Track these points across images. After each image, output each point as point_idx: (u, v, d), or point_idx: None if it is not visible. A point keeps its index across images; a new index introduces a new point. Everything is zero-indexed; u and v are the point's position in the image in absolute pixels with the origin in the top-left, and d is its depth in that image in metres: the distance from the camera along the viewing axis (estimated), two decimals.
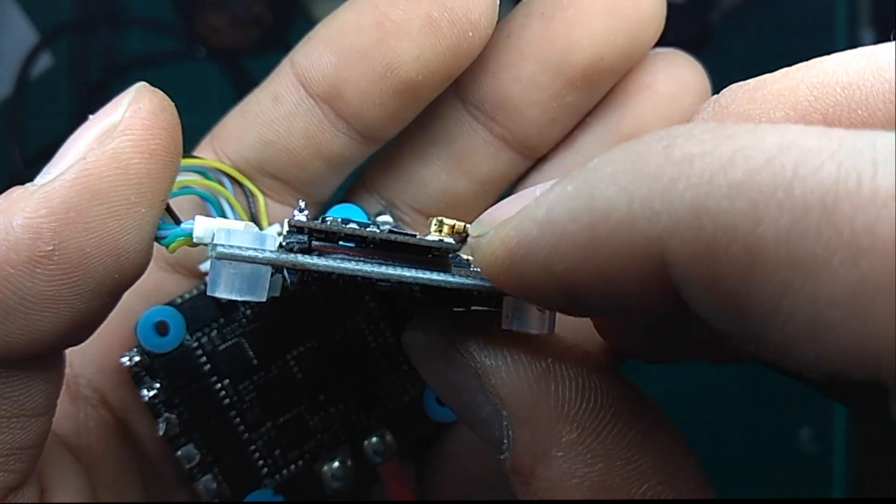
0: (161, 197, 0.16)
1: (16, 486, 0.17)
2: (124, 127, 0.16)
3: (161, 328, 0.20)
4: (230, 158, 0.21)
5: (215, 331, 0.21)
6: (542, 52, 0.19)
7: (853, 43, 0.44)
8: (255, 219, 0.21)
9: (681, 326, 0.18)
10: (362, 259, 0.15)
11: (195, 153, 0.21)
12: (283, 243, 0.15)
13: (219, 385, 0.21)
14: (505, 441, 0.15)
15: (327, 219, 0.16)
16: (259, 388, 0.21)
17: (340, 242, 0.16)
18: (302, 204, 0.17)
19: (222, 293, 0.15)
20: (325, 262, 0.15)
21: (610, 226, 0.12)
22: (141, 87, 0.16)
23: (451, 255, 0.16)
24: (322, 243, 0.15)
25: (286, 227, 0.15)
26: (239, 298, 0.15)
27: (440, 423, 0.22)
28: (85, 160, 0.15)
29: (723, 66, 0.44)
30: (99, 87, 0.44)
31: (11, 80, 0.43)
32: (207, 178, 0.20)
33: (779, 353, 0.11)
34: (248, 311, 0.20)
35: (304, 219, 0.16)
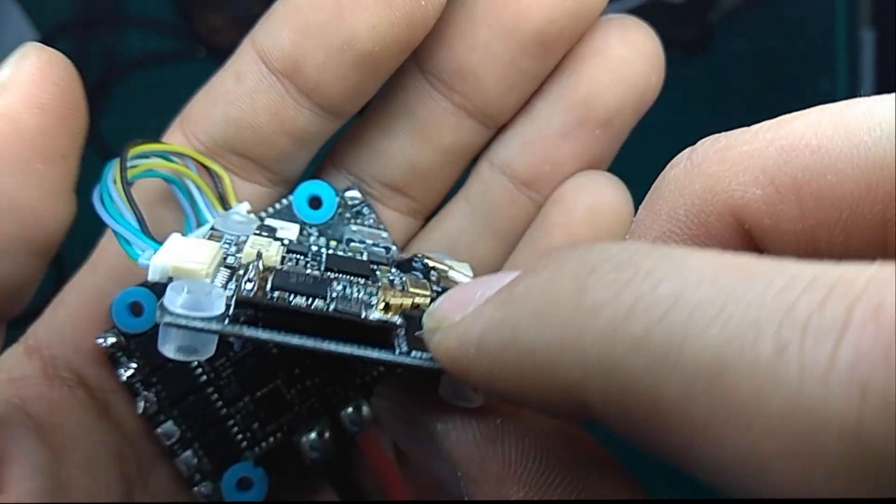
0: (61, 152, 0.16)
1: None
2: (10, 84, 0.16)
3: (135, 308, 0.20)
4: (199, 139, 0.21)
5: None
6: (493, 18, 0.19)
7: (853, 43, 0.44)
8: (222, 198, 0.21)
9: None
10: (305, 333, 0.16)
11: (164, 138, 0.22)
12: (230, 314, 0.15)
13: (195, 362, 0.21)
14: (466, 497, 0.15)
15: (274, 294, 0.16)
16: (235, 364, 0.21)
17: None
18: (263, 214, 0.17)
19: (170, 354, 0.15)
20: (266, 335, 0.15)
21: (534, 364, 0.12)
22: (28, 45, 0.17)
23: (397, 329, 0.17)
24: (268, 315, 0.16)
25: (233, 302, 0.16)
26: (186, 359, 0.16)
27: None
28: None
29: (723, 66, 0.44)
30: (99, 87, 0.44)
31: None
32: (170, 160, 0.20)
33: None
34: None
35: (251, 293, 0.16)
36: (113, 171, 0.19)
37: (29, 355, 0.21)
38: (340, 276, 0.18)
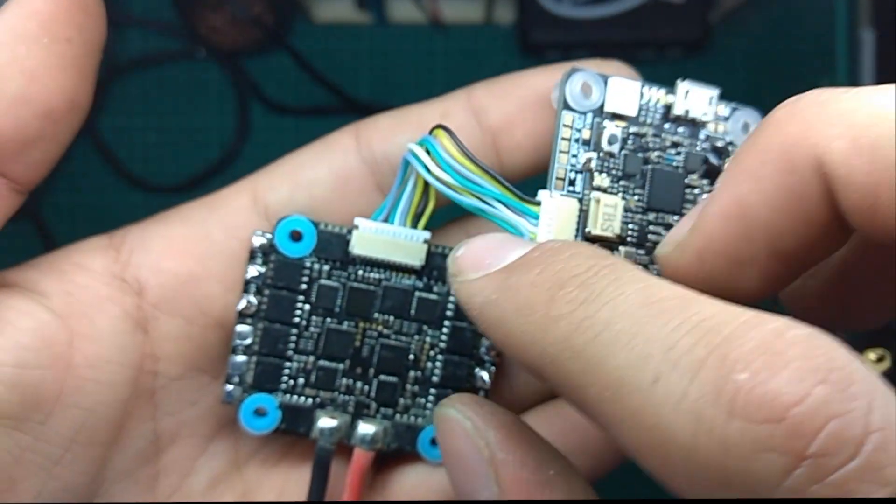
0: (66, 35, 0.20)
1: None
2: None
3: (295, 235, 0.23)
4: (372, 152, 0.24)
5: (328, 266, 0.24)
6: None
7: (853, 43, 0.44)
8: (418, 218, 0.23)
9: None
10: None
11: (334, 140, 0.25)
12: None
13: (301, 305, 0.24)
14: None
15: None
16: (325, 330, 0.24)
17: None
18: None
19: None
20: None
21: (513, 342, 0.16)
22: None
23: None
24: None
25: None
26: None
27: (422, 459, 0.25)
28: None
29: (723, 66, 0.44)
30: (99, 87, 0.44)
31: None
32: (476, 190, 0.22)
33: None
34: (361, 272, 0.24)
35: None
36: (442, 146, 0.21)
37: (107, 249, 0.23)
38: None
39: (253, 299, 0.23)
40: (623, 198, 0.22)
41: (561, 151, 0.22)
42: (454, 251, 0.19)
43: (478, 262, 0.18)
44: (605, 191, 0.22)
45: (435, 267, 0.24)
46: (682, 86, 0.23)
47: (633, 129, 0.22)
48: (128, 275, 0.23)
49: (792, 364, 0.12)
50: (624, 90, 0.22)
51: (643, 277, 0.15)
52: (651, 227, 0.23)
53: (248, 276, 0.23)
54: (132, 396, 0.23)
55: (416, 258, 0.23)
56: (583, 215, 0.22)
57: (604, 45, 0.42)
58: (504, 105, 0.24)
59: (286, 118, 0.43)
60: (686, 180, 0.23)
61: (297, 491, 0.25)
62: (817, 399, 0.11)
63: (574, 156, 0.22)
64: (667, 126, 0.23)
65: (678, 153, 0.23)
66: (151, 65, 0.44)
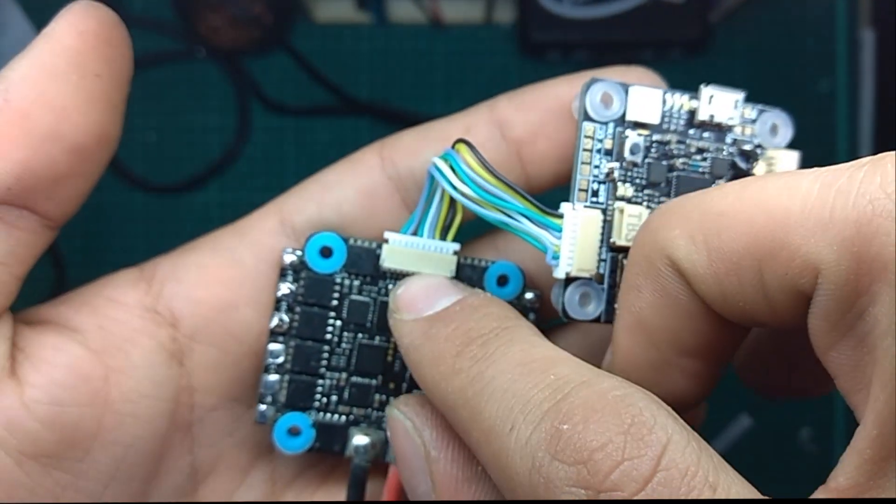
0: (95, 70, 0.20)
1: None
2: (59, 17, 0.20)
3: (325, 252, 0.23)
4: (397, 169, 0.24)
5: (358, 282, 0.24)
6: None
7: (853, 43, 0.44)
8: (446, 230, 0.24)
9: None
10: None
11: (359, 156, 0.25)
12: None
13: (333, 321, 0.24)
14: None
15: None
16: (357, 346, 0.24)
17: None
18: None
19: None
20: None
21: (425, 384, 0.20)
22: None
23: None
24: None
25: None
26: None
27: None
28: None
29: (723, 66, 0.44)
30: None
31: None
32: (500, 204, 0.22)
33: None
34: (392, 287, 0.23)
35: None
36: (463, 161, 0.22)
37: (137, 282, 0.23)
38: None
39: (285, 317, 0.23)
40: (648, 206, 0.22)
41: (583, 163, 0.22)
42: (396, 288, 0.22)
43: (411, 304, 0.21)
44: (629, 200, 0.22)
45: (465, 278, 0.24)
46: (706, 91, 0.22)
47: (656, 137, 0.22)
48: (161, 306, 0.23)
49: (602, 418, 0.15)
50: (645, 98, 0.22)
51: (529, 339, 0.18)
52: None
53: (280, 293, 0.23)
54: (169, 430, 0.23)
55: (446, 270, 0.23)
56: (607, 226, 0.22)
57: (604, 45, 0.42)
58: (527, 117, 0.24)
59: (286, 118, 0.43)
60: (713, 186, 0.23)
61: None
62: (615, 445, 0.14)
63: (597, 166, 0.22)
64: (691, 132, 0.23)
65: (704, 159, 0.23)
66: (151, 65, 0.44)
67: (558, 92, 0.24)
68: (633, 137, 0.22)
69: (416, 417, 0.20)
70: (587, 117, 0.22)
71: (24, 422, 0.20)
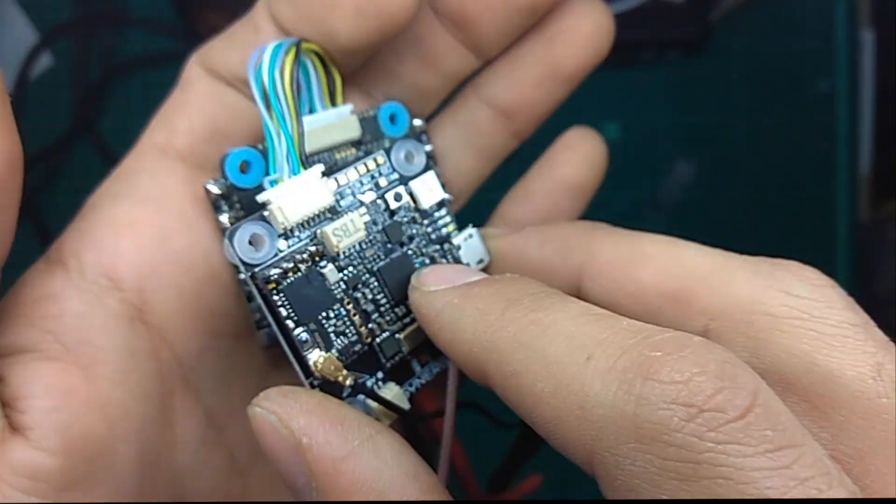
0: None
1: None
2: None
3: (244, 167, 0.22)
4: (222, 73, 0.23)
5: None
6: None
7: (853, 43, 0.44)
8: (332, 95, 0.23)
9: None
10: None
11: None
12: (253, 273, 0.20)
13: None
14: None
15: (275, 298, 0.20)
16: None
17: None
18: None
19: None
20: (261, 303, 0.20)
21: (462, 339, 0.19)
22: None
23: None
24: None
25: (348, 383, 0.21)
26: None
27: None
28: None
29: (723, 66, 0.44)
30: (99, 87, 0.44)
31: (11, 80, 0.44)
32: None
33: None
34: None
35: (267, 278, 0.20)
36: (283, 61, 0.21)
37: (52, 269, 0.22)
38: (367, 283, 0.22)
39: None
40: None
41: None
42: (420, 269, 0.22)
43: (441, 278, 0.21)
44: (335, 258, 0.21)
45: (368, 131, 0.23)
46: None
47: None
48: (91, 277, 0.21)
49: (694, 353, 0.15)
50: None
51: (585, 303, 0.18)
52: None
53: (225, 225, 0.22)
54: (164, 389, 0.22)
55: (354, 131, 0.23)
56: (326, 218, 0.21)
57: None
58: None
59: None
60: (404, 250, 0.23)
61: None
62: (714, 374, 0.14)
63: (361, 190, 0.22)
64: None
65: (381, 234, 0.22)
66: (151, 65, 0.44)
67: None
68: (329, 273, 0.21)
69: (280, 409, 0.19)
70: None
71: (44, 463, 0.19)
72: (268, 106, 0.21)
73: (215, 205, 0.22)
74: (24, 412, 0.20)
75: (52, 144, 0.44)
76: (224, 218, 0.22)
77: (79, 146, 0.45)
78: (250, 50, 0.22)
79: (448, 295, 0.20)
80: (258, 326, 0.23)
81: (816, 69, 0.44)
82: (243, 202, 0.22)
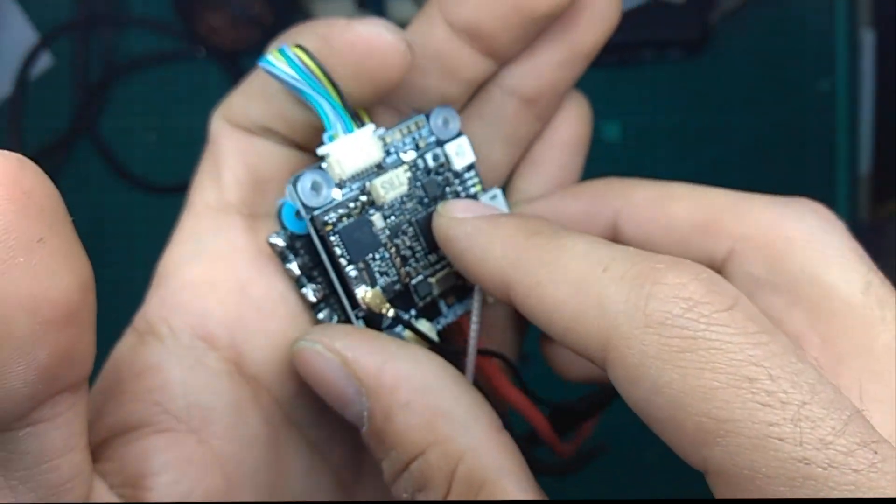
0: (36, 237, 0.16)
1: None
2: None
3: (298, 213, 0.23)
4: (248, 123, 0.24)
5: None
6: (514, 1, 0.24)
7: (853, 43, 0.44)
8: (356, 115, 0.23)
9: None
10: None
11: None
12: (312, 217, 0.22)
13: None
14: (364, 413, 0.21)
15: (332, 238, 0.22)
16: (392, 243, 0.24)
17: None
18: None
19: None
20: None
21: (486, 258, 0.21)
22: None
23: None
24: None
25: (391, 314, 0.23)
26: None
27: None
28: None
29: (723, 66, 0.44)
30: (99, 87, 0.44)
31: (11, 80, 0.44)
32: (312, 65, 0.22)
33: None
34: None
35: (324, 223, 0.22)
36: (293, 53, 0.22)
37: (145, 341, 0.22)
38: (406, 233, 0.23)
39: (315, 287, 0.23)
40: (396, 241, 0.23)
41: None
42: (445, 202, 0.23)
43: (468, 209, 0.23)
44: (383, 206, 0.23)
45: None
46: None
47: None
48: (186, 342, 0.22)
49: (690, 266, 0.18)
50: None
51: (596, 237, 0.20)
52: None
53: (296, 273, 0.23)
54: (272, 433, 0.23)
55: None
56: (375, 172, 0.23)
57: (604, 44, 0.42)
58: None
59: None
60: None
61: None
62: (706, 280, 0.17)
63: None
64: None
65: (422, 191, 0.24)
66: (151, 65, 0.44)
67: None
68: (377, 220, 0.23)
69: (324, 336, 0.21)
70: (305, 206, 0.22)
71: None
72: (297, 81, 0.22)
73: (282, 256, 0.23)
74: (150, 489, 0.20)
75: (52, 144, 0.44)
76: (293, 266, 0.23)
77: (79, 146, 0.45)
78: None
79: (477, 221, 0.22)
80: (300, 286, 0.23)
81: (816, 69, 0.44)
82: (307, 248, 0.23)
